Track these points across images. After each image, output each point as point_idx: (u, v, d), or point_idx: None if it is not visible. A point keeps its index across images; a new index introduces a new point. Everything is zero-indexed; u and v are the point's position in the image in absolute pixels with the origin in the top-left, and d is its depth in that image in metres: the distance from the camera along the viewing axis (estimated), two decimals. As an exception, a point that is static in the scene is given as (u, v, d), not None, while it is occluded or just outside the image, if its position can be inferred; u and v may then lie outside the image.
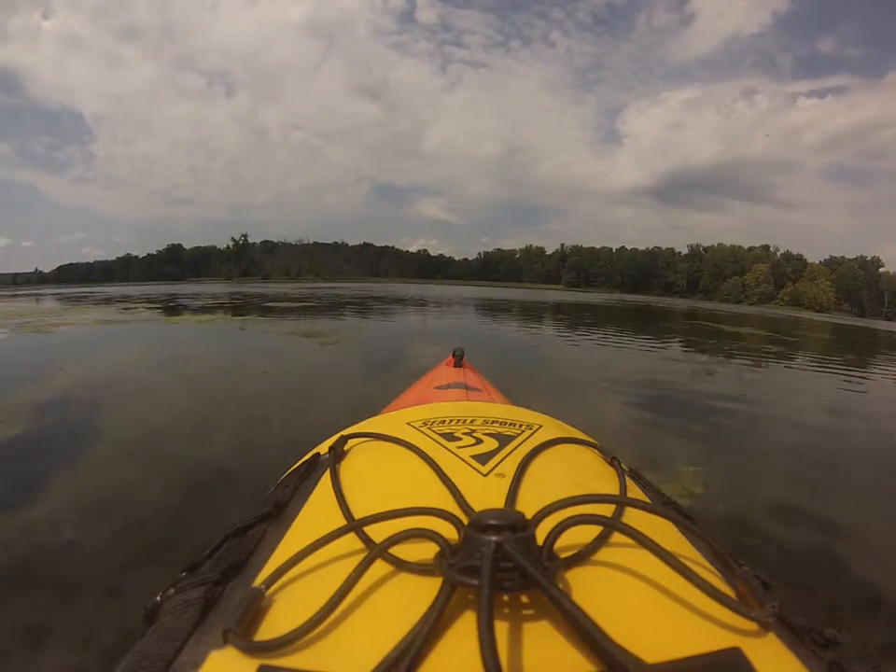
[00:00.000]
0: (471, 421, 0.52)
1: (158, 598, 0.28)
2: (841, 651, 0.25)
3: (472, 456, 0.42)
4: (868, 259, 61.15)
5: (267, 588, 0.26)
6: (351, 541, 0.29)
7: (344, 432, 0.51)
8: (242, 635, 0.23)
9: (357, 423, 0.60)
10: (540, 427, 0.52)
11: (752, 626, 0.24)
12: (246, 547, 0.32)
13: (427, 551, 0.27)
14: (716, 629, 0.24)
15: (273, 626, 0.24)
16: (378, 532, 0.29)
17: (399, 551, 0.27)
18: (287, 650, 0.22)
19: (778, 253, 65.65)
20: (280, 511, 0.36)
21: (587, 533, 0.29)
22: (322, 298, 16.39)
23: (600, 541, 0.29)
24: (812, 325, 19.05)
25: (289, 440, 2.24)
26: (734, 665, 0.22)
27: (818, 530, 1.73)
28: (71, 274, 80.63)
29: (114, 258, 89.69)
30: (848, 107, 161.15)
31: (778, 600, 0.26)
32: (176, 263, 79.72)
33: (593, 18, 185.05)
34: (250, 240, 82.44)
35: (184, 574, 0.30)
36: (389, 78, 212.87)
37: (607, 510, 0.33)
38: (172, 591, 0.28)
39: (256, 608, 0.25)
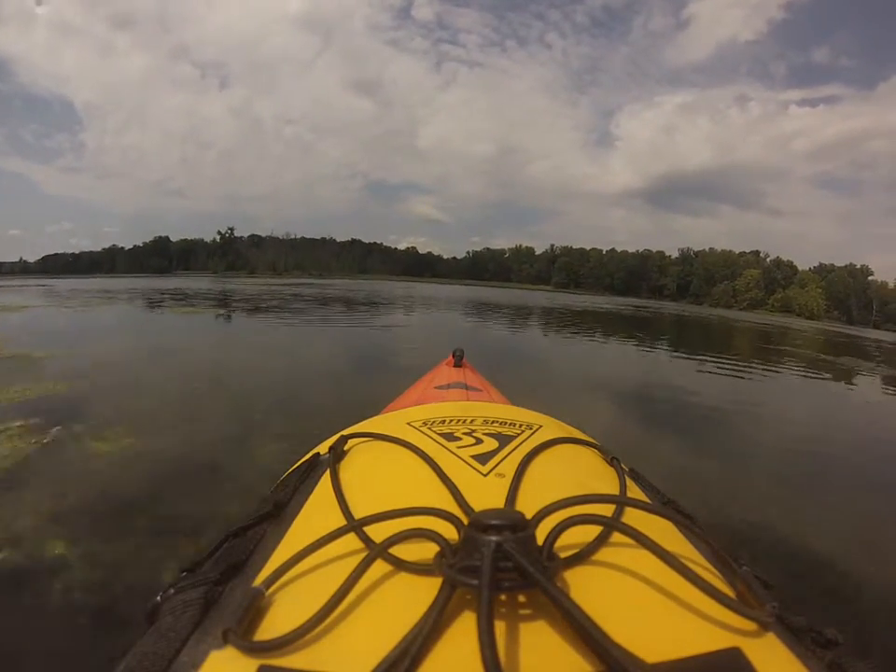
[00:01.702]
0: (471, 421, 0.52)
1: (158, 598, 0.27)
2: (841, 651, 0.25)
3: (472, 456, 0.42)
4: (857, 267, 61.22)
5: (267, 588, 0.26)
6: (351, 541, 0.29)
7: (344, 432, 0.51)
8: (242, 635, 0.23)
9: (357, 423, 0.59)
10: (540, 426, 0.52)
11: (752, 626, 0.24)
12: (246, 547, 0.31)
13: (427, 551, 0.26)
14: (716, 629, 0.24)
15: (272, 626, 0.24)
16: (378, 532, 0.29)
17: (399, 551, 0.27)
18: (287, 650, 0.22)
19: (769, 259, 65.60)
20: (280, 511, 0.36)
21: (587, 533, 0.29)
22: (279, 298, 13.74)
23: (600, 541, 0.29)
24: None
25: None
26: (734, 665, 0.22)
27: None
28: (55, 265, 79.38)
29: (100, 249, 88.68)
30: (840, 117, 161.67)
31: (778, 600, 0.26)
32: (163, 255, 78.59)
33: (590, 20, 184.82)
34: (237, 233, 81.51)
35: (184, 574, 0.30)
36: (384, 75, 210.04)
37: (607, 510, 0.33)
38: (172, 591, 0.28)
39: (256, 608, 0.24)
